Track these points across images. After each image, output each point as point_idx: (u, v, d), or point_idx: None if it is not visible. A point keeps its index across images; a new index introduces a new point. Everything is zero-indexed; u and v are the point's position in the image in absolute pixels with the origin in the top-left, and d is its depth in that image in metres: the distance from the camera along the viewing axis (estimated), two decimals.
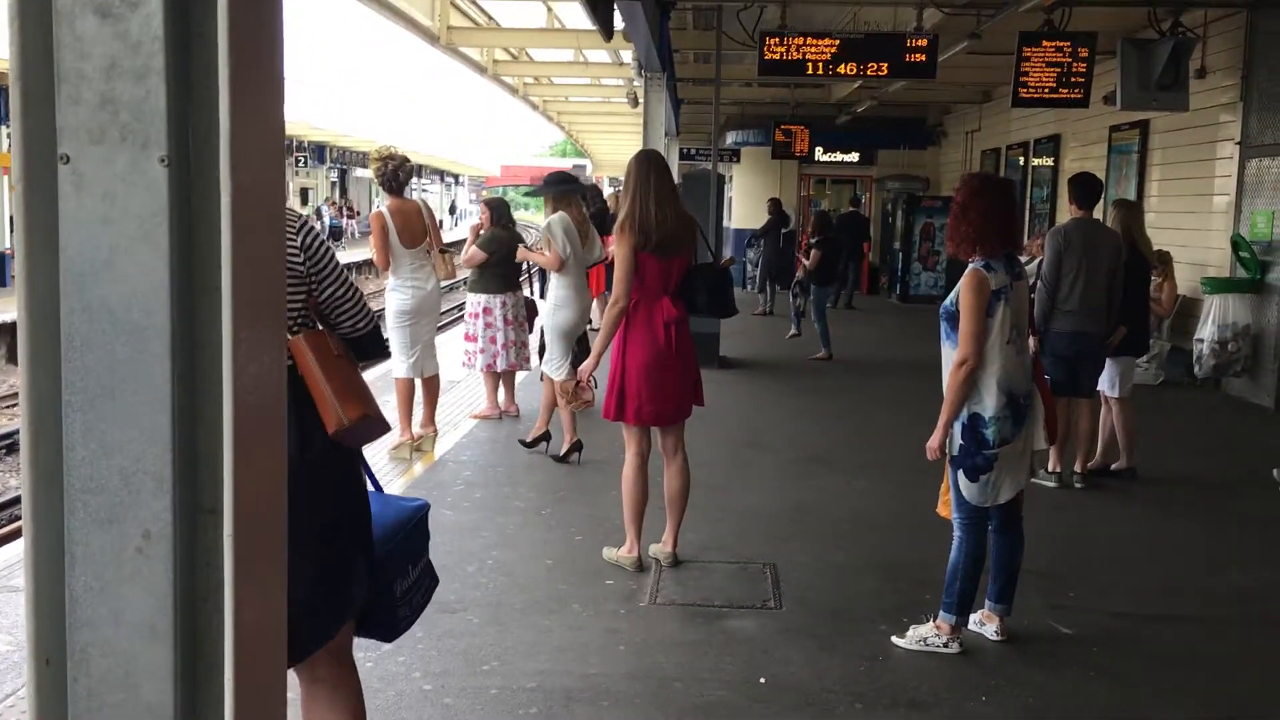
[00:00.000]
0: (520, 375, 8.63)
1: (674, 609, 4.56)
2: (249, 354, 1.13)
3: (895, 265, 19.40)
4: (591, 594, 4.69)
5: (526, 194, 18.46)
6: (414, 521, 2.62)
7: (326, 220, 37.18)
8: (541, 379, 7.34)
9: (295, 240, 2.31)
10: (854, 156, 20.83)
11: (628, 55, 13.81)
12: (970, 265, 4.03)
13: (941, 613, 4.15)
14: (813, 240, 12.82)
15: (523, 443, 7.15)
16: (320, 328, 2.36)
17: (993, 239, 4.01)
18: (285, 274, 1.00)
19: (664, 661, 4.02)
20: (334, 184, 43.42)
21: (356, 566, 2.40)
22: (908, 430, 8.14)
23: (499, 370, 7.96)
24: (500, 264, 7.85)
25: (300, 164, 36.54)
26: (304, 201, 40.10)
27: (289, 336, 2.26)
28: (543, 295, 8.61)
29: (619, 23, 8.39)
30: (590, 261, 7.52)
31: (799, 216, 20.54)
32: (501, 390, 8.20)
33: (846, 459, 7.42)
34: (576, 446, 6.96)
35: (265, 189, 1.18)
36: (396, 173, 6.75)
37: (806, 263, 12.68)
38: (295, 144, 34.99)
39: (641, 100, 10.99)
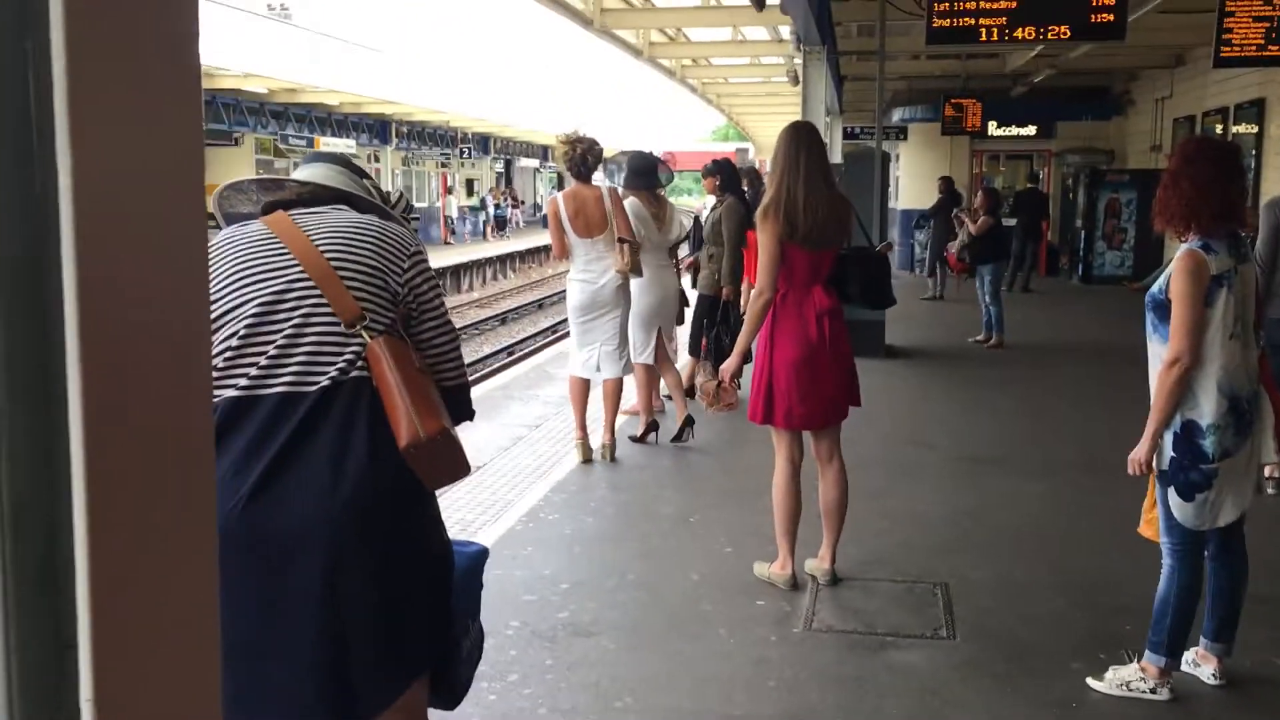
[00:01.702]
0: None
1: (831, 636, 4.08)
2: (119, 368, 0.69)
3: (1076, 244, 18.19)
4: (739, 616, 4.25)
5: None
6: (477, 570, 2.27)
7: (491, 210, 37.70)
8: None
9: (403, 262, 2.12)
10: (1030, 130, 19.65)
11: (787, 31, 13.22)
12: (1185, 245, 3.41)
13: (1148, 652, 3.55)
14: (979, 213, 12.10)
15: (634, 439, 6.92)
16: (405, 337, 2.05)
17: (1209, 214, 3.38)
18: (205, 230, 0.63)
19: (818, 701, 3.56)
20: (499, 174, 44.03)
21: (431, 618, 2.06)
22: (1091, 426, 7.43)
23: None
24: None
25: (465, 155, 37.08)
26: (470, 192, 40.80)
27: (368, 339, 1.96)
28: (694, 284, 8.18)
29: None
30: (668, 242, 7.13)
31: (970, 195, 19.51)
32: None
33: (1023, 459, 6.74)
34: (656, 426, 6.96)
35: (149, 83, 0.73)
36: (585, 156, 6.27)
37: (973, 228, 11.89)
38: (460, 135, 35.54)
39: (801, 77, 10.42)
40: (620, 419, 7.61)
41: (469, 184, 41.46)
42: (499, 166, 43.92)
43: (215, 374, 1.97)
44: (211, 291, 2.04)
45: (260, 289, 2.00)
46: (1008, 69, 16.59)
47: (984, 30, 9.14)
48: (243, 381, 1.94)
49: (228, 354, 1.97)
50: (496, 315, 22.97)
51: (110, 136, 0.69)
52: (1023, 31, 9.10)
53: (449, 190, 38.07)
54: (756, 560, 4.68)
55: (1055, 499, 5.87)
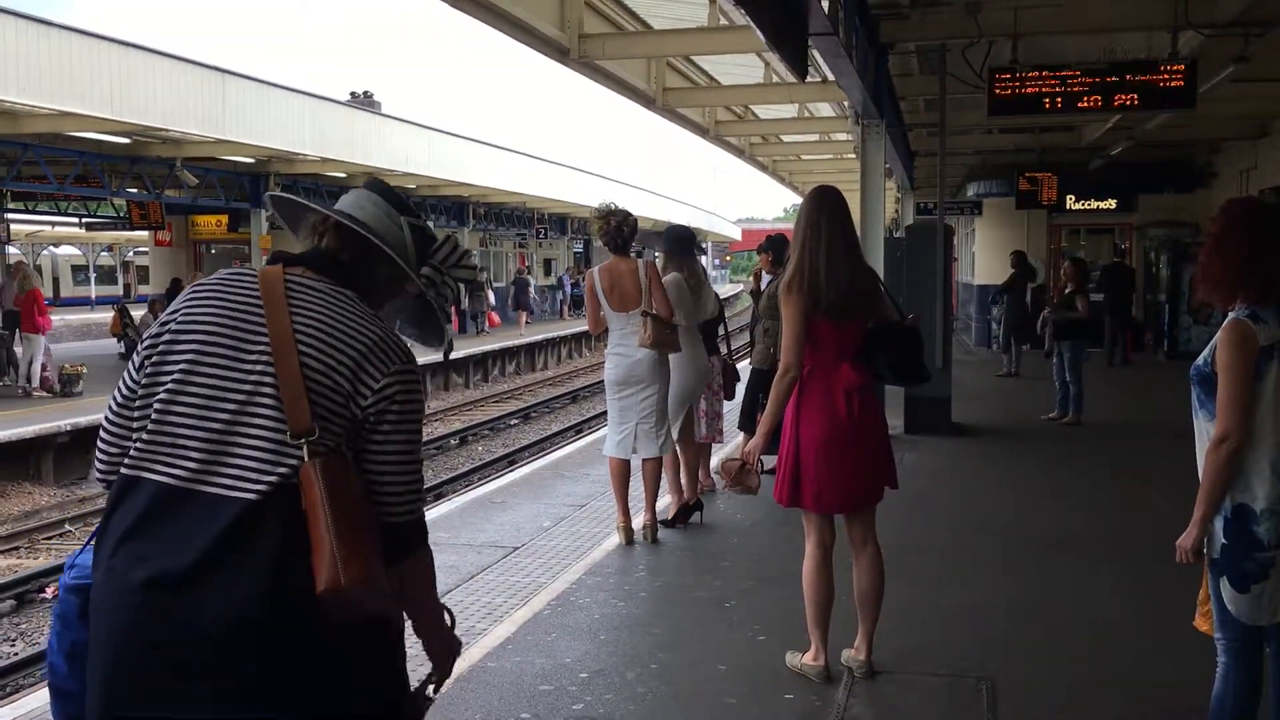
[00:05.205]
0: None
1: None
2: None
3: (1161, 319, 17.61)
4: (766, 711, 3.99)
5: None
6: None
7: (568, 289, 38.02)
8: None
9: (376, 382, 1.81)
10: (1110, 204, 19.21)
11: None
12: (1230, 315, 3.16)
13: None
14: (1068, 290, 11.58)
15: (665, 522, 6.62)
16: (348, 456, 1.80)
17: (1258, 282, 3.12)
18: None
19: None
20: (577, 254, 44.44)
21: None
22: (1170, 512, 6.96)
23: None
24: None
25: (541, 236, 37.52)
26: (547, 272, 41.21)
27: (304, 460, 1.73)
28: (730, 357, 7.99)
29: (825, 68, 7.78)
30: (701, 318, 6.95)
31: (1048, 269, 19.06)
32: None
33: (1092, 546, 6.36)
34: (697, 506, 6.82)
35: None
36: (620, 228, 6.18)
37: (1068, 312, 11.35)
38: (537, 216, 36.00)
39: (858, 149, 10.29)
40: (663, 499, 7.40)
41: (547, 264, 41.89)
42: (577, 247, 44.34)
43: (144, 438, 1.76)
44: (169, 341, 1.82)
45: (216, 371, 1.78)
46: (1084, 142, 16.27)
47: (1047, 99, 8.94)
48: (181, 473, 1.73)
49: (158, 425, 1.76)
50: (568, 393, 22.96)
51: None
52: (1088, 100, 8.88)
53: (527, 270, 38.51)
54: (790, 650, 4.41)
55: (1125, 589, 5.49)
